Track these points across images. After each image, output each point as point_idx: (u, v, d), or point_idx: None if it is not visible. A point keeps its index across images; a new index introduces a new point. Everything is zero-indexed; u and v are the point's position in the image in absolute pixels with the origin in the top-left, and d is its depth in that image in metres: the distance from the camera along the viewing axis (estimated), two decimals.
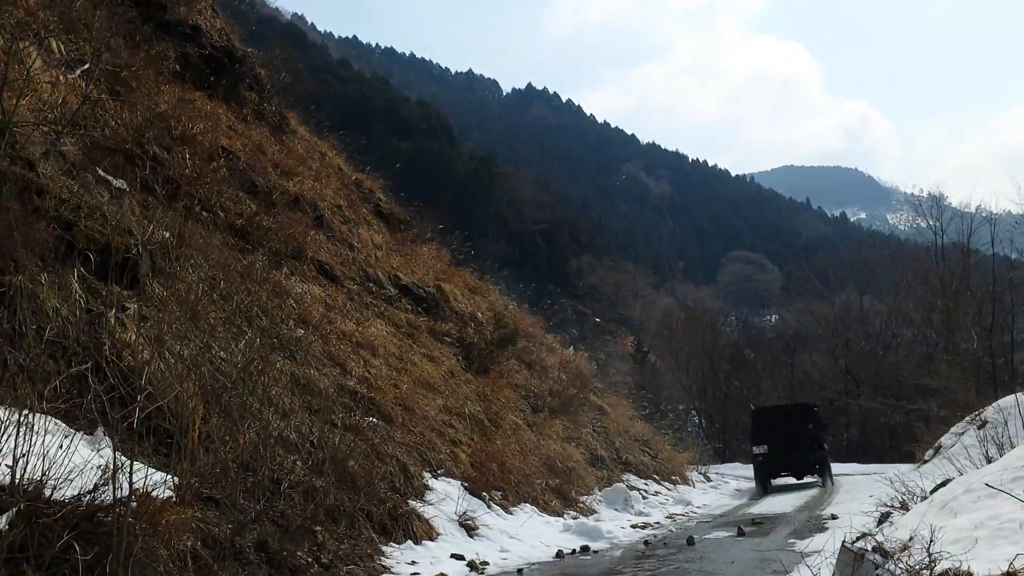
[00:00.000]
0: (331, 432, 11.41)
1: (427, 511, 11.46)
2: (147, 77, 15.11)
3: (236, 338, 11.15)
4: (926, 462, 20.61)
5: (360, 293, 16.17)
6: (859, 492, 18.54)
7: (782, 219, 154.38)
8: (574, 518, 14.20)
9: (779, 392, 44.95)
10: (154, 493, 8.05)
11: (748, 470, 32.62)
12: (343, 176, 21.32)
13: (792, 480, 23.03)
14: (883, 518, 10.99)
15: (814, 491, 20.24)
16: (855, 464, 31.43)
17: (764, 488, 22.10)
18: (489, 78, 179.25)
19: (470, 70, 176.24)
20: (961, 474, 11.26)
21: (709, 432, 46.79)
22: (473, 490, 12.83)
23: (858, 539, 10.29)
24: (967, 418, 20.61)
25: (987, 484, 8.37)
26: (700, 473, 24.14)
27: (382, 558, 10.16)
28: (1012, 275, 29.16)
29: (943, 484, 11.99)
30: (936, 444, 21.15)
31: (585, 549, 12.04)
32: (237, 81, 19.71)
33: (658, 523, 15.17)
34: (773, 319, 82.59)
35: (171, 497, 7.92)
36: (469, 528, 11.71)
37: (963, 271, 31.36)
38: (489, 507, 12.67)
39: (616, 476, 18.08)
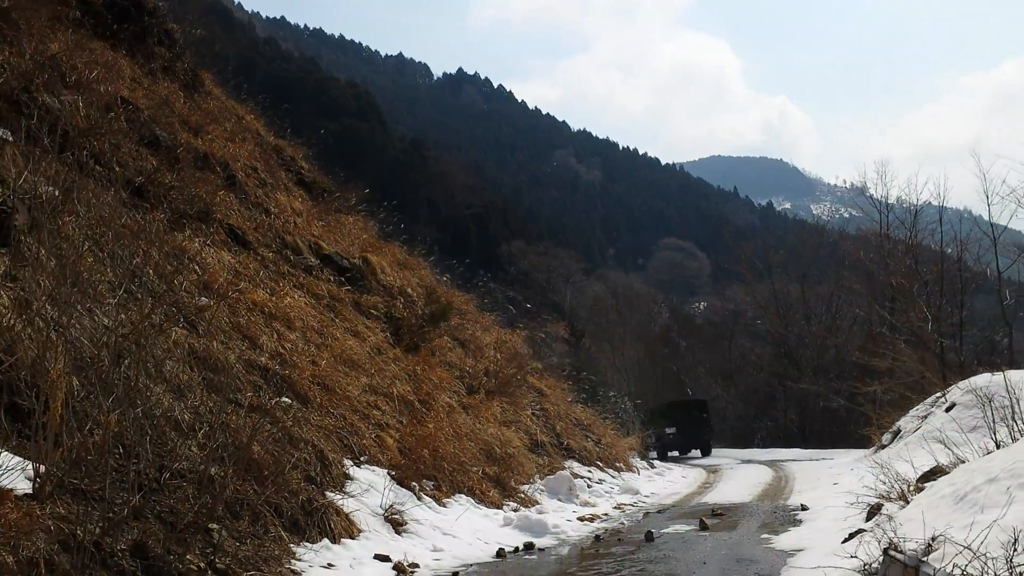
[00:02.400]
0: (235, 413, 9.77)
1: (347, 504, 9.84)
2: (39, 19, 13.60)
3: (126, 305, 9.45)
4: (884, 447, 19.53)
5: (276, 261, 14.44)
6: (817, 480, 17.35)
7: (710, 207, 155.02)
8: (515, 510, 12.67)
9: (715, 377, 44.10)
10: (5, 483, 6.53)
11: (689, 457, 31.57)
12: (262, 142, 19.50)
13: (743, 463, 24.60)
14: (874, 511, 9.64)
15: (767, 478, 19.04)
16: (798, 449, 30.47)
17: (662, 457, 29.46)
18: (419, 62, 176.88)
19: (400, 54, 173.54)
20: (963, 461, 9.95)
21: (645, 418, 45.78)
22: (401, 480, 11.23)
23: (853, 534, 8.93)
24: (928, 400, 19.55)
25: None
26: (644, 460, 22.82)
27: (292, 561, 8.55)
28: (962, 253, 28.42)
29: (934, 472, 10.73)
30: (894, 428, 20.08)
31: (529, 547, 10.51)
32: (145, 34, 17.90)
33: (607, 515, 13.71)
34: (702, 306, 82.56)
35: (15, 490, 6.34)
36: (396, 524, 10.11)
37: (912, 246, 30.57)
38: (420, 499, 11.08)
39: (558, 463, 16.61)
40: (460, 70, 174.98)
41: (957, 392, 17.61)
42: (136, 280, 10.26)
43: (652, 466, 22.32)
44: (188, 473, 8.28)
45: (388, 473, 11.13)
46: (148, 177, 13.03)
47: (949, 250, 30.68)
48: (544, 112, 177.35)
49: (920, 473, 10.79)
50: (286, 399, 10.79)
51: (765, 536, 10.55)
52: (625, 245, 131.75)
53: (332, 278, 15.44)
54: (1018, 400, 10.05)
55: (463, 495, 12.27)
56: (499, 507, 12.70)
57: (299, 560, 8.55)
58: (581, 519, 13.00)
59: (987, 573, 5.03)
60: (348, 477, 10.50)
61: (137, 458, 7.87)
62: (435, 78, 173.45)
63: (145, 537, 7.27)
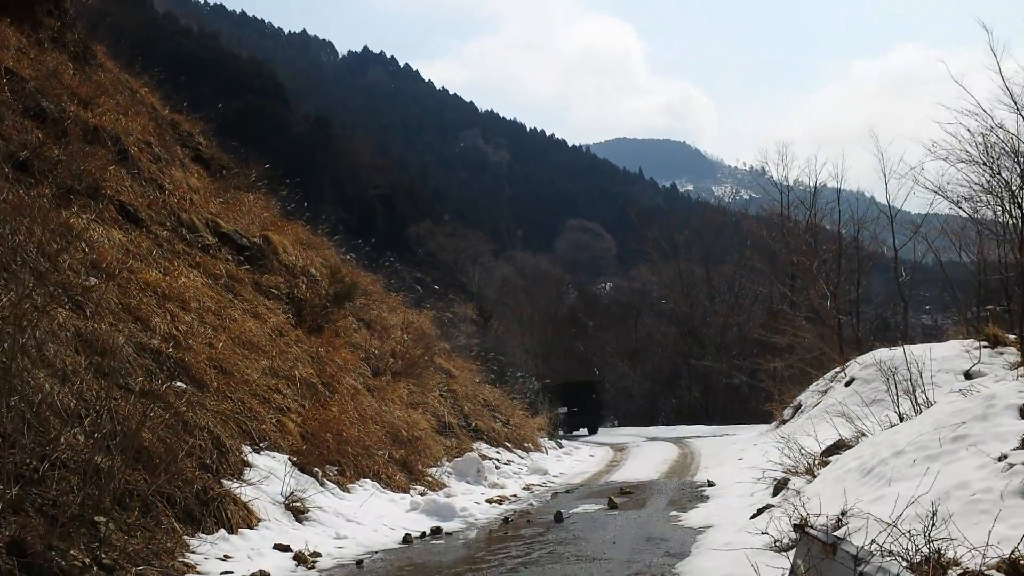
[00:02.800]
0: (124, 399, 9.28)
1: (246, 493, 9.45)
2: None
3: (6, 285, 8.91)
4: (786, 421, 19.79)
5: (171, 240, 13.85)
6: (722, 455, 17.48)
7: (616, 189, 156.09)
8: (422, 494, 12.39)
9: (622, 356, 44.40)
10: None
11: (597, 435, 31.69)
12: (157, 116, 18.72)
13: (649, 440, 24.82)
14: (780, 486, 9.63)
15: (673, 455, 19.11)
16: (702, 426, 30.79)
17: (569, 431, 31.33)
18: (324, 40, 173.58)
19: (304, 31, 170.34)
20: (865, 435, 10.00)
21: (552, 397, 45.92)
22: (303, 465, 10.85)
23: (762, 510, 8.88)
24: (828, 375, 19.85)
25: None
26: (552, 439, 22.74)
27: (186, 553, 8.14)
28: (860, 232, 29.02)
29: (838, 446, 10.78)
30: (795, 403, 20.35)
31: (437, 531, 10.25)
32: (33, 3, 17.02)
33: (515, 496, 13.52)
34: (608, 286, 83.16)
35: None
36: (298, 512, 9.75)
37: (811, 226, 31.15)
38: (322, 485, 10.72)
39: (466, 445, 16.36)
40: (366, 48, 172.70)
41: (856, 367, 17.90)
42: (17, 259, 9.68)
43: (560, 446, 22.26)
44: (72, 463, 7.81)
45: (289, 459, 10.74)
46: (33, 151, 12.37)
47: (844, 231, 31.37)
48: (451, 92, 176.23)
49: (824, 447, 10.83)
50: (180, 383, 10.32)
51: (674, 514, 10.49)
52: (532, 226, 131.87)
53: (231, 257, 14.90)
54: (920, 373, 10.13)
55: (368, 480, 11.94)
56: (406, 491, 12.41)
57: (193, 552, 8.16)
58: (490, 501, 12.79)
59: (908, 549, 4.93)
60: (247, 464, 10.09)
61: (15, 448, 7.40)
62: (340, 56, 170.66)
63: (24, 532, 6.83)
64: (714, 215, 52.18)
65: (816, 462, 9.82)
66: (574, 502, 12.27)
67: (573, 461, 19.33)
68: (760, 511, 8.73)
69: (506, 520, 10.98)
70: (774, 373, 28.36)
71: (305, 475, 10.65)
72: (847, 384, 17.23)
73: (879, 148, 36.45)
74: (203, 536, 8.51)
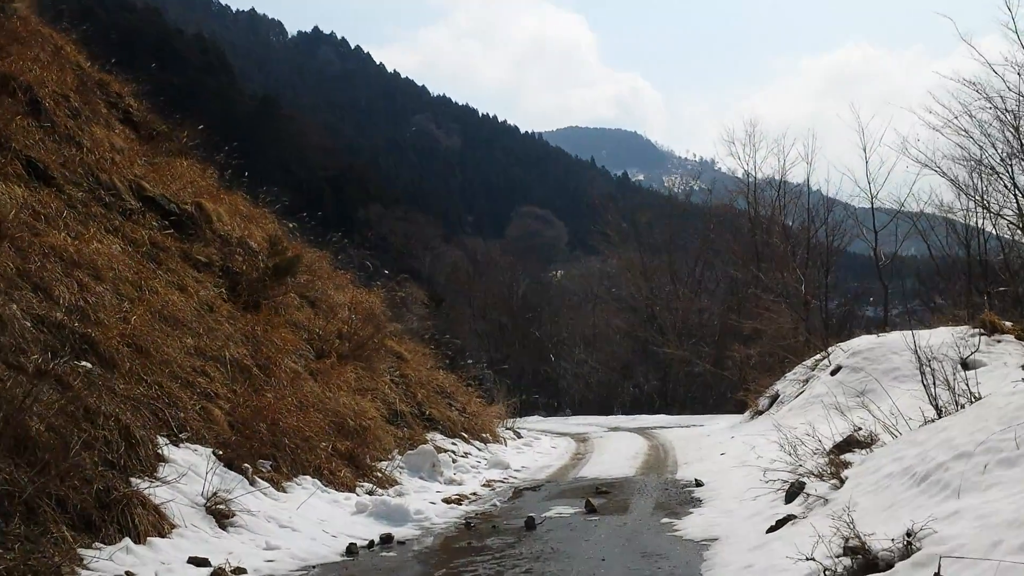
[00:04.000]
0: (15, 379, 7.70)
1: (159, 494, 7.88)
2: None
3: None
4: (761, 412, 18.53)
5: (86, 201, 12.12)
6: (699, 449, 16.10)
7: (568, 176, 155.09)
8: (370, 493, 10.86)
9: (578, 343, 43.04)
10: None
11: (552, 423, 30.29)
12: (84, 75, 16.85)
13: (611, 430, 23.95)
14: (795, 490, 8.21)
15: (642, 447, 17.67)
16: (663, 416, 29.42)
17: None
18: (273, 19, 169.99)
19: (252, 9, 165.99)
20: (892, 432, 8.65)
21: (506, 384, 44.50)
22: (231, 460, 9.25)
23: (782, 522, 7.45)
24: (807, 363, 18.62)
25: None
26: (510, 429, 21.24)
27: (77, 569, 6.57)
28: (829, 214, 27.96)
29: (849, 443, 9.45)
30: (772, 392, 19.08)
31: (387, 539, 8.70)
32: None
33: (475, 495, 11.99)
34: (559, 273, 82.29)
35: None
36: (221, 516, 8.18)
37: (781, 207, 30.07)
38: (253, 483, 9.13)
39: (419, 436, 14.82)
40: (316, 29, 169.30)
41: (841, 354, 16.65)
42: None
43: (519, 436, 20.77)
44: None
45: (214, 453, 9.13)
46: None
47: (815, 217, 30.30)
48: (403, 76, 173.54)
49: (833, 444, 9.48)
50: (85, 363, 8.68)
51: (666, 520, 9.05)
52: (484, 212, 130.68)
53: (156, 224, 13.18)
54: (928, 360, 8.82)
55: (308, 477, 10.37)
56: (351, 489, 10.86)
57: (86, 568, 6.61)
58: (447, 501, 11.27)
59: None
60: (162, 459, 8.49)
61: None
62: (290, 36, 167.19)
63: None
64: (667, 204, 51.04)
65: (832, 462, 8.41)
66: (545, 503, 10.79)
67: (535, 453, 17.83)
68: (780, 523, 7.30)
69: (468, 525, 9.47)
70: (740, 361, 27.17)
71: (232, 472, 9.06)
72: (833, 373, 15.97)
73: (860, 123, 34.19)
74: (101, 547, 6.96)
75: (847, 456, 8.68)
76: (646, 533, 8.36)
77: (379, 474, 11.90)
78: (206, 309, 12.24)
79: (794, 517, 7.25)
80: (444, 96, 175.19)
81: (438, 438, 15.47)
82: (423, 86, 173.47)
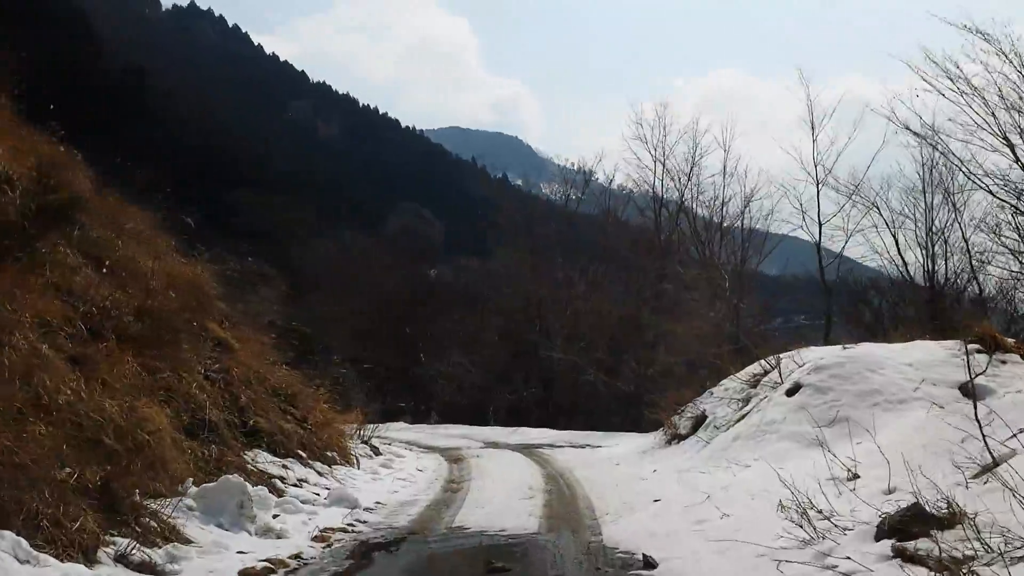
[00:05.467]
0: None
1: None
2: None
3: None
4: (682, 437, 14.96)
5: None
6: (614, 486, 12.26)
7: (449, 175, 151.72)
8: (122, 557, 6.72)
9: (453, 343, 38.97)
10: None
11: (418, 432, 26.27)
12: None
13: (488, 446, 20.79)
14: None
15: (536, 478, 13.61)
16: (550, 431, 25.54)
17: None
18: None
19: None
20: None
21: (372, 386, 40.25)
22: None
23: None
24: (742, 377, 15.15)
25: None
26: (364, 442, 17.16)
27: None
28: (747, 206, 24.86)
29: (916, 519, 5.80)
30: (695, 413, 15.49)
31: None
32: None
33: (299, 558, 7.84)
34: (433, 273, 79.61)
35: None
36: None
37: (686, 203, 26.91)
38: None
39: (233, 456, 10.61)
40: (193, 4, 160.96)
41: (796, 369, 13.17)
42: None
43: (377, 452, 16.68)
44: None
45: None
46: None
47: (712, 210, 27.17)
48: (282, 59, 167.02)
49: (880, 521, 5.80)
50: None
51: None
52: (360, 206, 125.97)
53: None
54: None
55: (8, 533, 6.15)
56: (92, 550, 6.69)
57: None
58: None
59: None
60: None
61: None
62: (164, 9, 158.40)
63: None
64: (545, 207, 47.62)
65: (906, 554, 4.69)
66: None
67: (394, 480, 13.71)
68: None
69: None
70: (637, 371, 23.69)
71: None
72: (789, 393, 12.45)
73: (808, 95, 28.52)
74: None
75: (920, 544, 4.98)
76: None
77: (150, 520, 7.72)
78: None
79: None
80: (325, 84, 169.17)
81: (263, 459, 11.32)
82: (303, 72, 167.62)
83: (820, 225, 25.19)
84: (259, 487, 9.54)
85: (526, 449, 18.93)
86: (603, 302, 34.02)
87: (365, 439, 17.22)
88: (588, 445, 19.26)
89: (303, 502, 10.28)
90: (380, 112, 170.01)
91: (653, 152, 31.00)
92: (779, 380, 13.20)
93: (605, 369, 29.35)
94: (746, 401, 13.80)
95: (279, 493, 10.27)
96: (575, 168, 38.23)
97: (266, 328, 18.28)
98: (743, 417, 13.03)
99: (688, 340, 22.79)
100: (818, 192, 26.15)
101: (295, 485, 11.05)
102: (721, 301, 22.66)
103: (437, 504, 11.28)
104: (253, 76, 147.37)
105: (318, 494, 10.93)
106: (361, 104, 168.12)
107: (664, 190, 30.31)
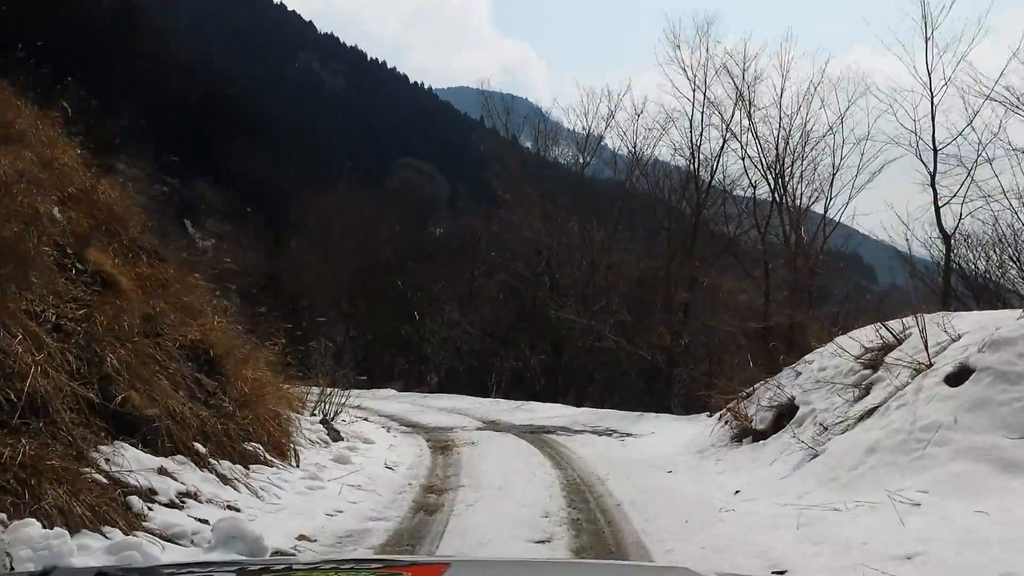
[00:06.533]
0: None
1: None
2: None
3: None
4: (762, 435, 10.76)
5: None
6: (677, 521, 7.97)
7: (456, 133, 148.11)
8: None
9: (453, 302, 34.60)
10: None
11: (405, 403, 22.25)
12: None
13: (485, 428, 16.15)
14: None
15: (552, 482, 9.59)
16: (558, 405, 21.34)
17: None
18: None
19: None
20: None
21: (357, 345, 36.12)
22: None
23: None
24: (843, 353, 10.89)
25: None
26: (324, 422, 12.99)
27: None
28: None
29: None
30: (780, 400, 11.26)
31: None
32: None
33: None
34: (438, 231, 76.36)
35: None
36: None
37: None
38: None
39: (72, 454, 6.44)
40: None
41: (955, 347, 8.85)
42: None
43: (337, 437, 12.48)
44: None
45: None
46: None
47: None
48: (289, 8, 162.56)
49: None
50: None
51: None
52: (363, 160, 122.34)
53: None
54: None
55: None
56: None
57: None
58: None
59: None
60: None
61: None
62: None
63: None
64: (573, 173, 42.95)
65: None
66: None
67: (346, 488, 9.42)
68: None
69: None
70: (671, 338, 19.49)
71: None
72: (953, 381, 8.19)
73: None
74: None
75: None
76: None
77: None
78: None
79: None
80: (332, 35, 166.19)
81: (128, 459, 7.12)
82: (310, 21, 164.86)
83: (935, 151, 20.23)
84: (56, 533, 5.31)
85: (534, 434, 14.82)
86: (624, 257, 29.41)
87: (325, 417, 13.07)
88: (614, 432, 15.06)
89: (169, 541, 6.10)
90: (388, 67, 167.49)
91: (692, 78, 26.39)
92: (925, 360, 8.92)
93: (626, 335, 24.90)
94: (865, 389, 9.58)
95: (130, 525, 6.11)
96: (583, 132, 32.81)
97: (214, 270, 14.06)
98: (869, 413, 8.78)
99: (727, 307, 18.60)
100: (933, 110, 20.54)
101: (171, 505, 6.86)
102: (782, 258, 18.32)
103: (397, 542, 7.07)
104: (259, 23, 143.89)
105: (202, 526, 6.71)
106: (369, 58, 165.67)
107: (704, 126, 25.71)
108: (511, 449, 12.77)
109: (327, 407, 14.66)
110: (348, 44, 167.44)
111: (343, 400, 15.34)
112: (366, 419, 17.61)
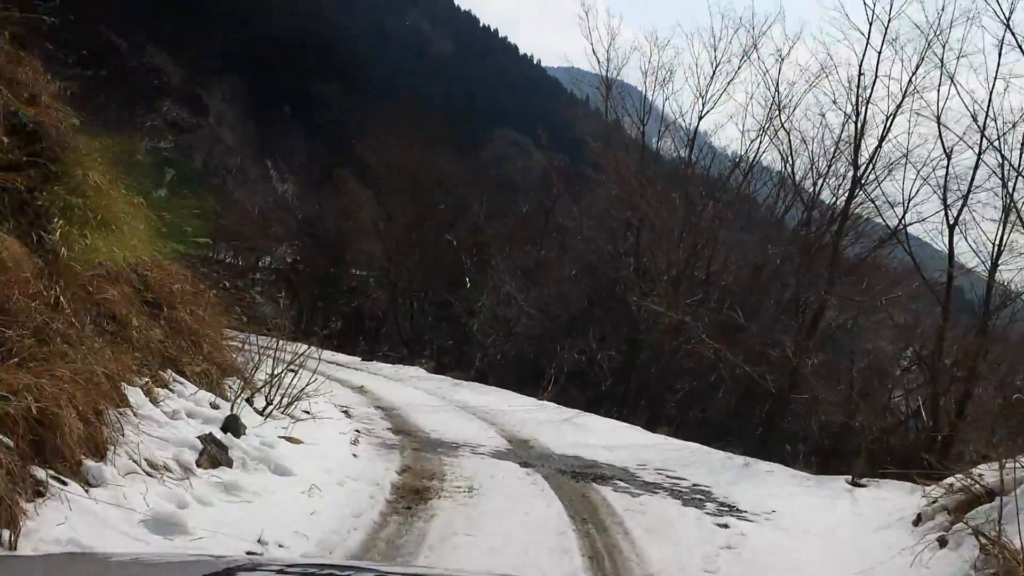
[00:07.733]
0: None
1: None
2: None
3: None
4: None
5: None
6: None
7: (559, 112, 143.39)
8: None
9: (523, 269, 28.83)
10: None
11: (421, 389, 17.13)
12: None
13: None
14: None
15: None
16: (627, 428, 15.69)
17: None
18: None
19: None
20: None
21: (402, 314, 31.29)
22: None
23: None
24: None
25: None
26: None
27: None
28: None
29: None
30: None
31: None
32: None
33: None
34: (524, 209, 72.25)
35: None
36: None
37: None
38: None
39: None
40: None
41: None
42: None
43: (228, 460, 7.25)
44: None
45: None
46: None
47: None
48: None
49: None
50: None
51: None
52: (458, 127, 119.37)
53: None
54: None
55: None
56: None
57: None
58: None
59: None
60: None
61: None
62: None
63: None
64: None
65: None
66: None
67: (305, 484, 4.15)
68: None
69: None
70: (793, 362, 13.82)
71: None
72: None
73: None
74: None
75: None
76: None
77: None
78: None
79: None
80: None
81: None
82: None
83: None
84: None
85: (577, 479, 9.40)
86: (738, 242, 22.96)
87: (234, 414, 7.87)
88: (708, 496, 9.30)
89: None
90: (500, 35, 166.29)
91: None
92: None
93: (729, 342, 18.41)
94: None
95: None
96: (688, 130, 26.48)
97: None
98: None
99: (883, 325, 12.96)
100: None
101: None
102: None
103: None
104: None
105: None
106: (482, 24, 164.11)
107: (879, 76, 19.69)
108: (528, 516, 7.33)
109: (276, 391, 9.75)
110: (463, 8, 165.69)
111: (310, 382, 10.31)
112: (347, 411, 12.57)
